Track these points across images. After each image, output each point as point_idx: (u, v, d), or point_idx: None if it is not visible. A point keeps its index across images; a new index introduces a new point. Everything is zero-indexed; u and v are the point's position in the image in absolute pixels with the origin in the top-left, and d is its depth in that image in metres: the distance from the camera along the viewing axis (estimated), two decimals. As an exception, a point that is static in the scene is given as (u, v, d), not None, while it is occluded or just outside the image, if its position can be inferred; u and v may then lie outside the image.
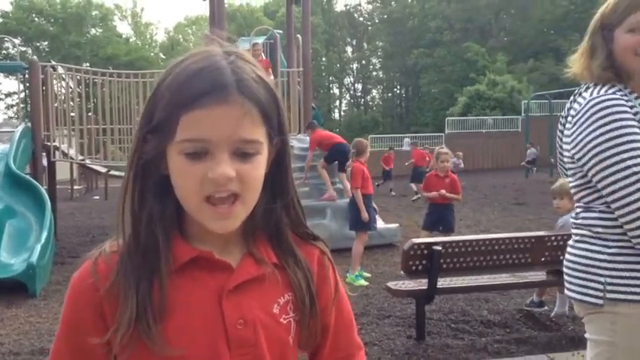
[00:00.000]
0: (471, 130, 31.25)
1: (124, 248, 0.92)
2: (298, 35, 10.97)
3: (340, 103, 58.01)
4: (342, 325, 1.06)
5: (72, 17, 47.52)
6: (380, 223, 9.20)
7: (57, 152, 10.09)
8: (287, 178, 0.99)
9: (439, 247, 4.42)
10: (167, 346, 0.86)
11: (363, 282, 6.66)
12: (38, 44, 45.43)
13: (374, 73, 56.86)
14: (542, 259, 4.75)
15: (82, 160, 11.11)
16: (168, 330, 0.87)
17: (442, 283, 4.66)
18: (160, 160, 0.90)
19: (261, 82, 0.90)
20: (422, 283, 4.64)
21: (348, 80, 57.47)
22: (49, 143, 9.70)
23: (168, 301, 0.88)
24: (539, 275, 5.02)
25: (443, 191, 6.79)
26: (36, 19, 47.14)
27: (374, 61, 56.46)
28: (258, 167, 0.90)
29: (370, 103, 57.93)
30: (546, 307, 5.38)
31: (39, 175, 9.38)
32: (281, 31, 12.76)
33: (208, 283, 0.92)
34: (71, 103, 10.77)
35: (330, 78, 55.80)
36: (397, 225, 9.71)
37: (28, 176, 8.28)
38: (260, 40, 12.50)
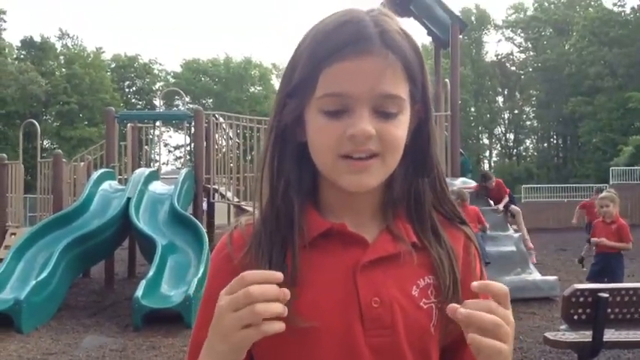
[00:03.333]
0: (639, 181, 28.62)
1: (259, 219, 0.90)
2: (446, 80, 10.86)
3: (490, 153, 56.16)
4: None
5: (234, 76, 51.68)
6: (537, 276, 8.70)
7: (216, 194, 10.78)
8: (429, 149, 0.91)
9: (606, 294, 3.96)
10: (298, 317, 0.81)
11: None
12: (204, 101, 49.73)
13: (527, 123, 54.53)
14: None
15: (238, 202, 11.76)
16: (300, 302, 0.82)
17: (609, 336, 4.17)
18: (298, 125, 0.88)
19: (406, 37, 0.85)
20: (585, 335, 4.17)
21: (499, 130, 55.64)
22: (209, 186, 10.41)
23: (300, 274, 0.84)
24: None
25: (603, 239, 6.37)
26: (202, 78, 51.91)
27: (527, 110, 54.25)
28: (400, 127, 0.84)
29: (523, 153, 55.43)
30: None
31: (199, 214, 10.07)
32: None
33: (342, 257, 0.86)
34: (230, 154, 11.54)
35: (480, 128, 54.40)
36: (555, 277, 9.00)
37: (189, 215, 8.90)
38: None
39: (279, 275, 0.74)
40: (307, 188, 0.90)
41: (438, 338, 0.88)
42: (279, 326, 0.73)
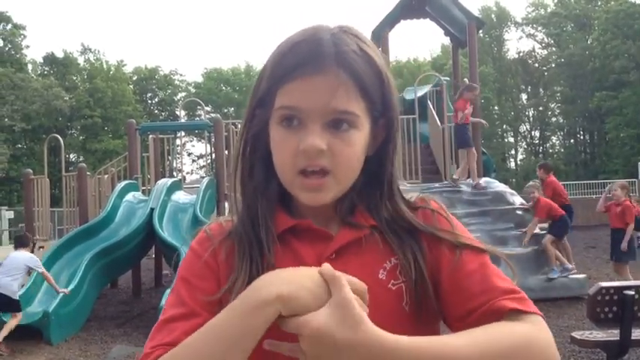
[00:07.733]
0: (669, 175, 28.02)
1: (237, 220, 0.96)
2: (465, 79, 10.78)
3: (516, 151, 55.43)
4: (467, 274, 0.89)
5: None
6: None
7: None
8: (386, 160, 0.95)
9: (632, 292, 3.88)
10: None
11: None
12: (226, 110, 50.07)
13: (553, 119, 53.72)
14: None
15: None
16: None
17: (638, 334, 4.08)
18: (266, 135, 0.93)
19: (363, 55, 0.89)
20: (613, 334, 4.10)
21: (524, 128, 54.90)
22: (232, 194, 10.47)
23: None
24: None
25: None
26: (224, 88, 52.35)
27: (552, 106, 53.46)
28: (352, 143, 0.88)
29: (550, 150, 54.59)
30: None
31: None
32: (448, 78, 12.66)
33: (308, 252, 0.91)
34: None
35: (504, 126, 53.78)
36: (585, 276, 8.86)
37: (212, 224, 8.96)
38: (425, 88, 12.47)
39: None
40: (275, 192, 0.95)
41: (414, 316, 0.89)
42: None
